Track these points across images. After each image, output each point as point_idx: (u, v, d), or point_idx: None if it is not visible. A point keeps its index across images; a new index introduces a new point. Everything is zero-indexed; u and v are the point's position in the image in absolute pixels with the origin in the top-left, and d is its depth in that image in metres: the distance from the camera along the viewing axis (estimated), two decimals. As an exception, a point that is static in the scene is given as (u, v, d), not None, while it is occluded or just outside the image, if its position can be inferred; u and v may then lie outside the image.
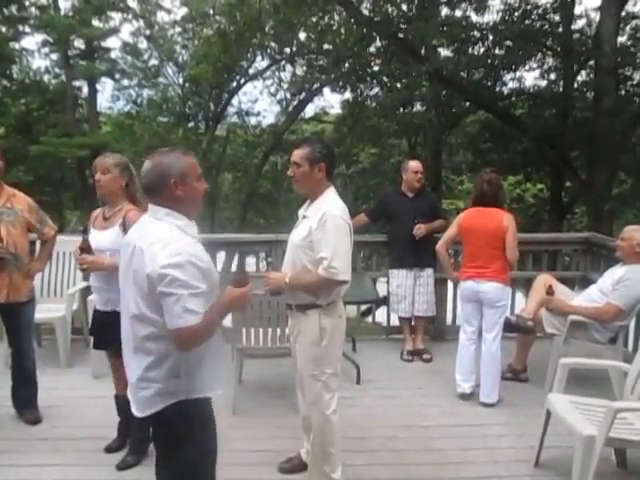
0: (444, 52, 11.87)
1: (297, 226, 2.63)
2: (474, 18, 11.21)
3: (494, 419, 3.57)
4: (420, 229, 4.49)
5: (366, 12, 11.77)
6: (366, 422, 3.48)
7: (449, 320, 5.18)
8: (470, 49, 11.35)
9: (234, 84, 19.77)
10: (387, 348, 4.88)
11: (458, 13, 11.39)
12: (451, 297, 5.07)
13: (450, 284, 4.93)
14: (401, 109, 12.69)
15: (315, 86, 17.33)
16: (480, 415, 3.63)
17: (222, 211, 22.75)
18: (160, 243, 1.75)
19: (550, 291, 3.88)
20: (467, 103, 12.72)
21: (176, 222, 1.85)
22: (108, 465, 2.98)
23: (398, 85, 12.35)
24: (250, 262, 5.52)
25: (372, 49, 12.79)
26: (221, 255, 5.44)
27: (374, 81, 13.82)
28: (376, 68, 13.01)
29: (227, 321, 3.67)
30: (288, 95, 18.94)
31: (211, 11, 18.34)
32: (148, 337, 1.82)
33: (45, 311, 4.08)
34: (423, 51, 11.10)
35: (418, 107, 13.01)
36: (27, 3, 19.07)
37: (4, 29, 19.60)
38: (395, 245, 4.72)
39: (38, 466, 3.00)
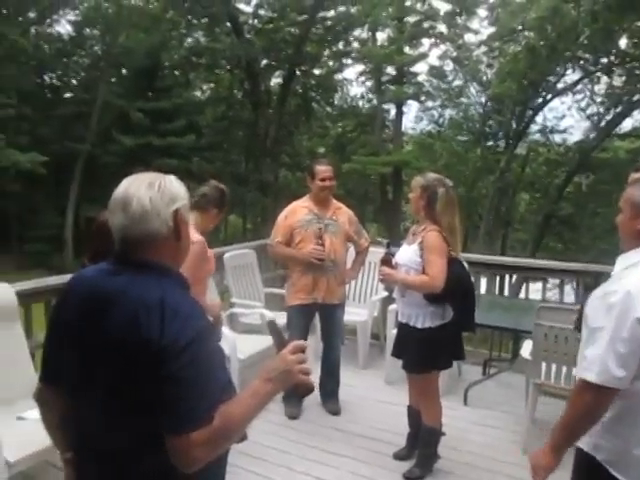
0: None
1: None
2: None
3: None
4: None
5: None
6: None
7: None
8: None
9: (539, 100, 18.79)
10: None
11: None
12: None
13: None
14: None
15: (635, 97, 15.29)
16: None
17: (515, 232, 21.85)
18: None
19: None
20: None
21: None
22: (395, 471, 3.08)
23: None
24: (535, 288, 5.07)
25: None
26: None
27: None
28: None
29: (526, 352, 3.47)
30: (601, 109, 17.15)
31: (520, 27, 17.80)
32: None
33: (350, 314, 4.45)
34: None
35: None
36: (351, 38, 21.56)
37: (331, 63, 22.59)
38: None
39: (336, 455, 3.28)
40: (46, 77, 22.96)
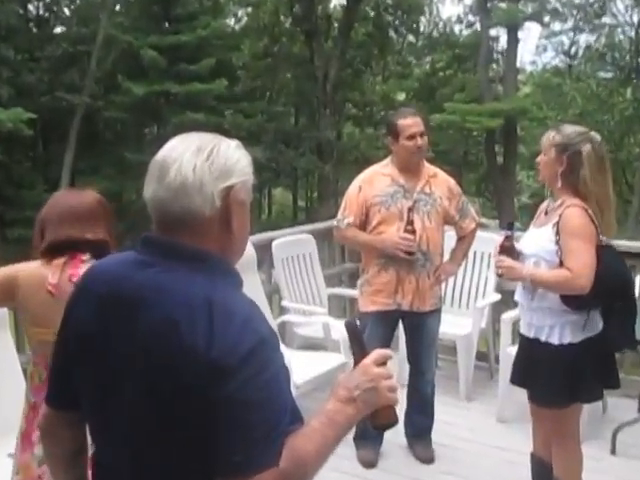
0: None
1: None
2: None
3: None
4: None
5: None
6: None
7: None
8: None
9: None
10: None
11: None
12: None
13: None
14: None
15: None
16: None
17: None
18: None
19: None
20: None
21: None
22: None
23: None
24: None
25: None
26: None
27: None
28: None
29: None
30: None
31: None
32: None
33: (446, 324, 4.39)
34: None
35: None
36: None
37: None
38: None
39: (428, 518, 3.31)
40: (31, 7, 23.86)
